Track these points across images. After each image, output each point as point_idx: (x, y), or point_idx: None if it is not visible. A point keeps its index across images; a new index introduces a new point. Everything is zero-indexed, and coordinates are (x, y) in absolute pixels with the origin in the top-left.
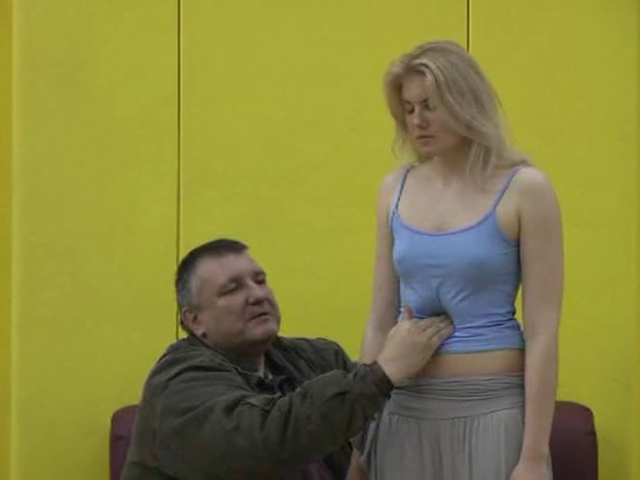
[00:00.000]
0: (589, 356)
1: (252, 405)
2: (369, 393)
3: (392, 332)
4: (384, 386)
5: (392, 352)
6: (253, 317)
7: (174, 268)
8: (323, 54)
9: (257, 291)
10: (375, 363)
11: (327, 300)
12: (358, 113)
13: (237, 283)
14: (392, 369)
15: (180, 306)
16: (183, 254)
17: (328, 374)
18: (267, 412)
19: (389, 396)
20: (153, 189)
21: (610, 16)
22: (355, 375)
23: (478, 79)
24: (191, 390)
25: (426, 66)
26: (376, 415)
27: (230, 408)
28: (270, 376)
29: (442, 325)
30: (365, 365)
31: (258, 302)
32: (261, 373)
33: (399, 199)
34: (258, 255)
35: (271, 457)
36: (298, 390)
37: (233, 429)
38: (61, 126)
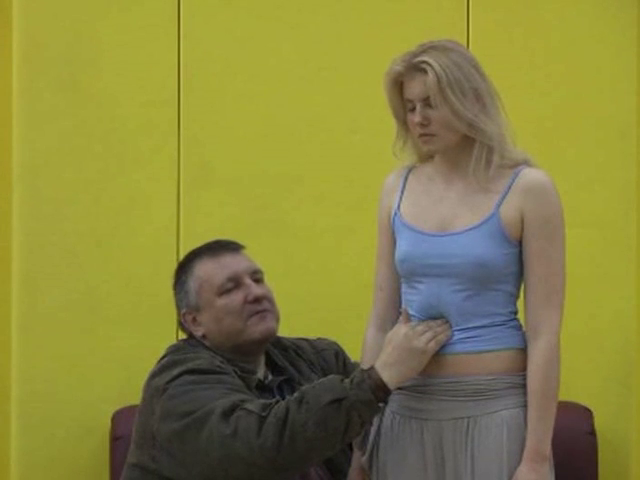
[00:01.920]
0: (589, 356)
1: (249, 411)
2: (366, 399)
3: (389, 337)
4: (381, 392)
5: (389, 357)
6: (252, 315)
7: (174, 268)
8: (323, 54)
9: (256, 289)
10: (372, 369)
11: (327, 300)
12: (358, 113)
13: (235, 282)
14: (389, 375)
15: (179, 308)
16: (183, 254)
17: (325, 379)
18: (264, 418)
19: (386, 402)
20: (153, 189)
21: (610, 16)
22: (352, 381)
23: (480, 78)
24: (190, 394)
25: (428, 64)
26: (375, 418)
27: (227, 413)
28: (270, 376)
29: (439, 330)
30: (362, 371)
31: (257, 300)
32: (261, 373)
33: (401, 199)
34: (258, 255)
35: (268, 463)
36: (295, 395)
37: (230, 435)
38: (61, 126)
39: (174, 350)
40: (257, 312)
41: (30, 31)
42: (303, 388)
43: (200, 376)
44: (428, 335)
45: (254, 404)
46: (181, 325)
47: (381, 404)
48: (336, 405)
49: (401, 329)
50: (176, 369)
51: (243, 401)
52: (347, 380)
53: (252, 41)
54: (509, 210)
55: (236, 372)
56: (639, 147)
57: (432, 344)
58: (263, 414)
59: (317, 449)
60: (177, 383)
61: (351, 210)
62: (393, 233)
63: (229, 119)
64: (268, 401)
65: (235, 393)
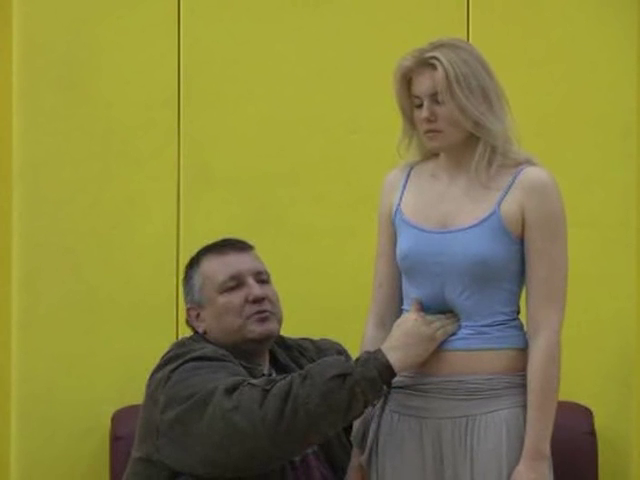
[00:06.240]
0: (589, 356)
1: (253, 385)
2: (370, 377)
3: (398, 322)
4: (386, 372)
5: (396, 341)
6: (252, 315)
7: (174, 268)
8: (323, 54)
9: (257, 289)
10: (379, 350)
11: (327, 300)
12: (358, 113)
13: (237, 281)
14: (395, 357)
15: (185, 304)
16: (183, 254)
17: (330, 357)
18: (267, 391)
19: (390, 384)
20: (153, 189)
21: (610, 15)
22: (357, 360)
23: (488, 77)
24: (193, 378)
25: (437, 59)
26: (376, 407)
27: (231, 390)
28: (274, 374)
29: (448, 321)
30: (368, 352)
31: (257, 300)
32: (265, 371)
33: (402, 196)
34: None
35: (269, 438)
36: (299, 372)
37: (233, 408)
38: (61, 126)
39: (178, 345)
40: (257, 312)
41: (30, 31)
42: (307, 366)
43: (204, 362)
44: (437, 324)
45: (258, 380)
46: (186, 321)
47: (385, 385)
48: (340, 380)
49: (411, 315)
50: (180, 359)
51: (246, 379)
52: (352, 359)
53: (252, 42)
54: (510, 206)
55: (241, 364)
56: (639, 147)
57: (440, 332)
58: (266, 387)
59: (318, 424)
60: (181, 369)
61: (351, 210)
62: (394, 230)
63: (229, 119)
64: (272, 377)
65: (239, 376)
